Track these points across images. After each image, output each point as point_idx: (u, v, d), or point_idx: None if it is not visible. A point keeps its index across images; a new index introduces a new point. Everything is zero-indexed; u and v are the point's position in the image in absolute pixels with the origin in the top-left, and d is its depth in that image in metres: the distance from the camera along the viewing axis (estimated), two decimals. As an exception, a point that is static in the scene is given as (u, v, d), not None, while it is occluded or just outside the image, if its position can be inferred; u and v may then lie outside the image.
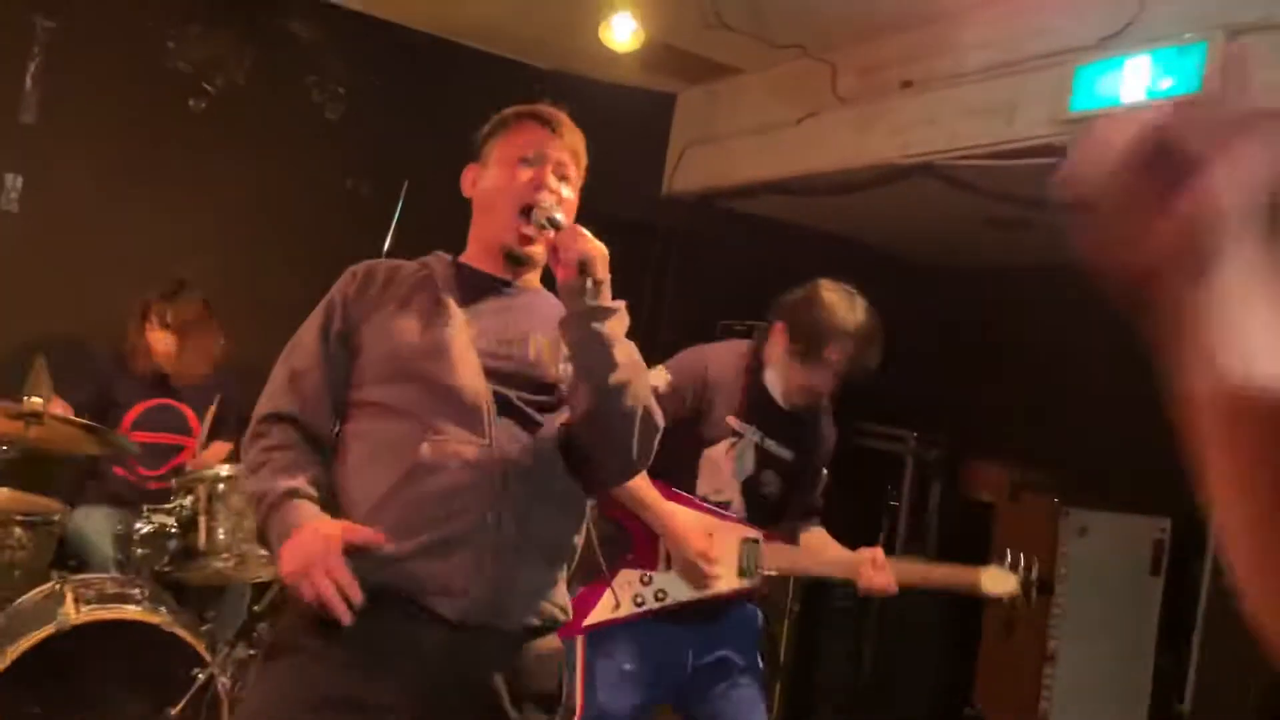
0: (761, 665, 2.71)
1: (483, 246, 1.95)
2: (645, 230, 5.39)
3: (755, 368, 2.64)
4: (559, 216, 1.77)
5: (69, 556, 3.54)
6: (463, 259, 1.97)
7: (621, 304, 1.74)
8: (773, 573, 2.63)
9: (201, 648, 3.06)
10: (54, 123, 4.22)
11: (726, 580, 2.54)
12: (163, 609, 3.08)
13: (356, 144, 4.82)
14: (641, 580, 2.54)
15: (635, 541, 2.55)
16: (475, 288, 1.90)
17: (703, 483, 2.57)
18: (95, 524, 3.56)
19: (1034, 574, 2.67)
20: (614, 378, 1.69)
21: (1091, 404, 4.79)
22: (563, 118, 1.97)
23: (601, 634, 2.54)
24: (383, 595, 1.64)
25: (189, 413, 3.88)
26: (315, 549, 1.62)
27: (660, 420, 1.80)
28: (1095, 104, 3.33)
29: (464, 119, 5.52)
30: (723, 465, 2.57)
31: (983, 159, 3.80)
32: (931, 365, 5.69)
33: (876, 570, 2.57)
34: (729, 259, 5.14)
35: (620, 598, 2.50)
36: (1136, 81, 3.23)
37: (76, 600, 2.93)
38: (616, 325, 1.71)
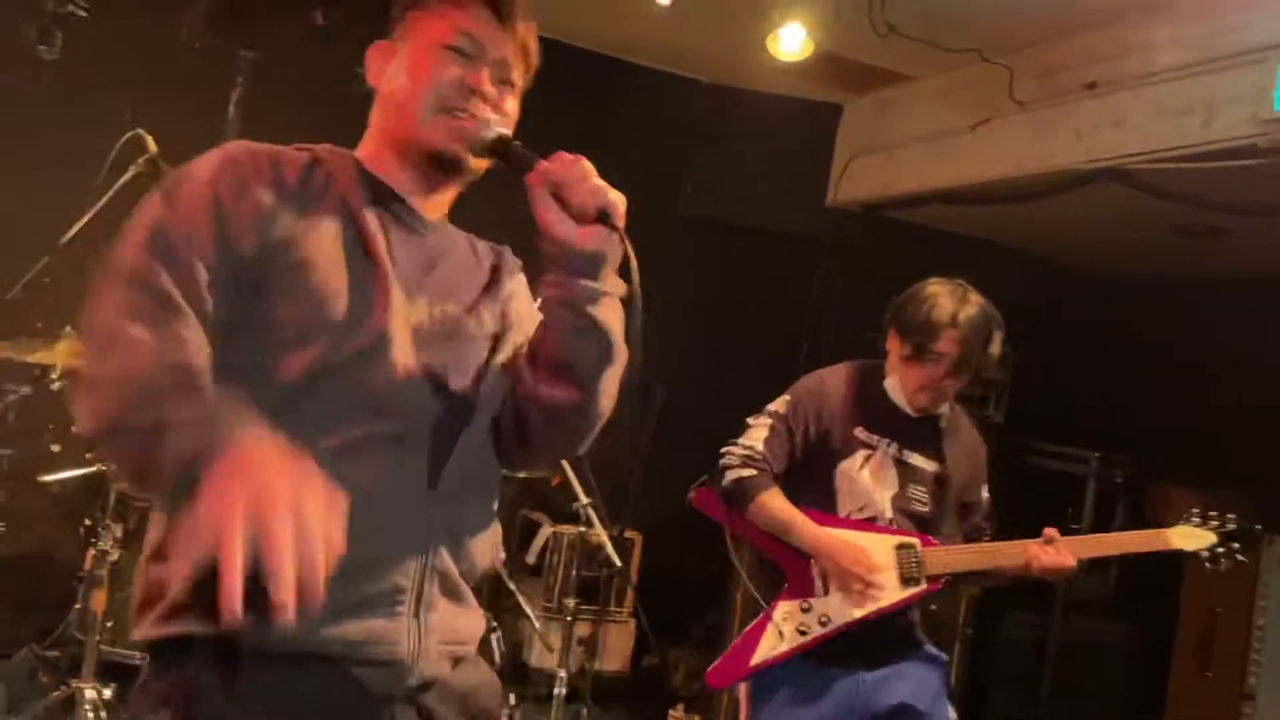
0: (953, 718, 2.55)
1: (392, 149, 1.47)
2: (809, 242, 5.35)
3: (875, 378, 2.57)
4: (614, 199, 1.36)
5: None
6: (367, 166, 1.48)
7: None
8: (941, 576, 2.49)
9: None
10: (254, 147, 4.52)
11: (890, 592, 2.45)
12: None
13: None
14: (801, 609, 2.47)
15: (787, 571, 2.50)
16: (394, 218, 1.44)
17: (843, 502, 2.50)
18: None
19: (1232, 525, 2.51)
20: (611, 372, 1.40)
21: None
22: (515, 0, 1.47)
23: (766, 680, 2.47)
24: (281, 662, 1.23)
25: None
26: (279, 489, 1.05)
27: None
28: (1303, 101, 3.10)
29: (628, 134, 5.63)
30: (859, 480, 2.49)
31: (1177, 162, 3.59)
32: (1113, 382, 5.41)
33: (1048, 548, 2.42)
34: (895, 271, 4.99)
35: (783, 630, 2.44)
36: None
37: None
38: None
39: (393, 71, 1.48)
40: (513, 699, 3.89)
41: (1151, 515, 5.16)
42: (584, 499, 3.60)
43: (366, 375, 1.30)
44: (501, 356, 1.48)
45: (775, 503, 2.45)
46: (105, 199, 3.10)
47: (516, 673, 4.50)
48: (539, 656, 4.58)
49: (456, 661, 1.39)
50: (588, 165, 1.38)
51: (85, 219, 3.07)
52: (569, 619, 3.77)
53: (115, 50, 4.27)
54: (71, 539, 4.01)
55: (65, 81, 4.21)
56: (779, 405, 2.54)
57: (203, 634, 1.19)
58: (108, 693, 3.14)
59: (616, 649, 4.79)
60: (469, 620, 1.41)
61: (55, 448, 4.39)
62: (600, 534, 3.56)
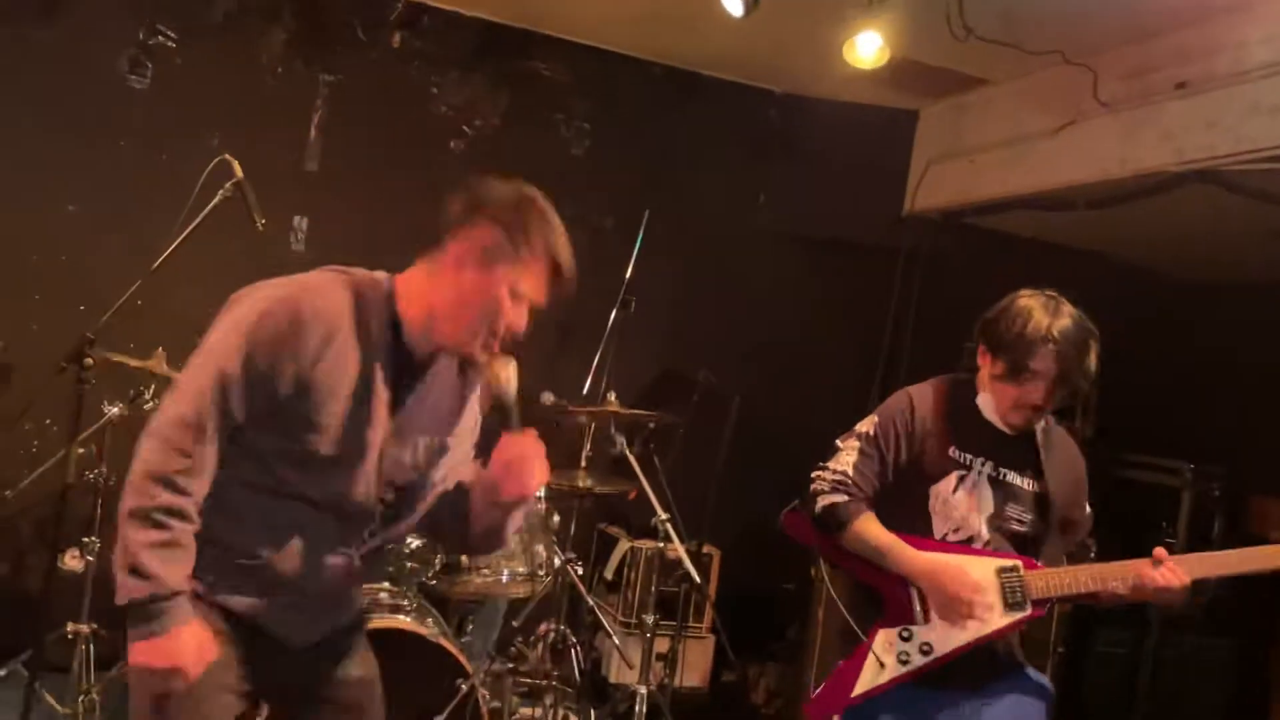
0: None
1: (431, 329, 1.89)
2: (886, 252, 5.27)
3: (966, 394, 2.48)
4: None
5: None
6: (406, 329, 1.90)
7: None
8: (1046, 601, 2.38)
9: (464, 659, 3.20)
10: (333, 168, 4.61)
11: (994, 618, 2.35)
12: (429, 620, 3.26)
13: (601, 177, 4.99)
14: (901, 636, 2.38)
15: (886, 598, 2.41)
16: (406, 372, 1.92)
17: (939, 524, 2.41)
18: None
19: None
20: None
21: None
22: (572, 274, 1.90)
23: (860, 711, 2.38)
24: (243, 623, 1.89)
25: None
26: (189, 656, 1.75)
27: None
28: None
29: (701, 147, 5.60)
30: (955, 502, 2.40)
31: (1271, 163, 3.45)
32: (1207, 391, 5.21)
33: (1161, 568, 2.29)
34: (976, 279, 4.89)
35: (884, 660, 2.35)
36: None
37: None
38: None
39: (471, 273, 1.85)
40: (593, 715, 3.89)
41: (1251, 529, 4.95)
42: (662, 514, 3.58)
43: (340, 483, 1.88)
44: (443, 472, 2.02)
45: (870, 528, 2.38)
46: (195, 224, 3.18)
47: (596, 689, 4.49)
48: (618, 672, 4.56)
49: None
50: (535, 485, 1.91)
51: (175, 244, 3.15)
52: (648, 635, 3.76)
53: (200, 78, 4.40)
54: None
55: (154, 110, 4.35)
56: (867, 426, 2.46)
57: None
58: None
59: (696, 665, 4.76)
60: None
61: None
62: (678, 549, 3.54)
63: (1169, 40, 3.85)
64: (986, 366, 2.44)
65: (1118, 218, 4.36)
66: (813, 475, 2.45)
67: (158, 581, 1.70)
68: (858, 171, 5.21)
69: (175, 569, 1.73)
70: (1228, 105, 3.61)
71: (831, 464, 2.44)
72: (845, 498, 2.39)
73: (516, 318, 1.85)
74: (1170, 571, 2.29)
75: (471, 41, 4.81)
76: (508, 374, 1.88)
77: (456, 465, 2.04)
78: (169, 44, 4.36)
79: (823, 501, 2.40)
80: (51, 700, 3.40)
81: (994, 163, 4.70)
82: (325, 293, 1.81)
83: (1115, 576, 2.35)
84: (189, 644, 1.74)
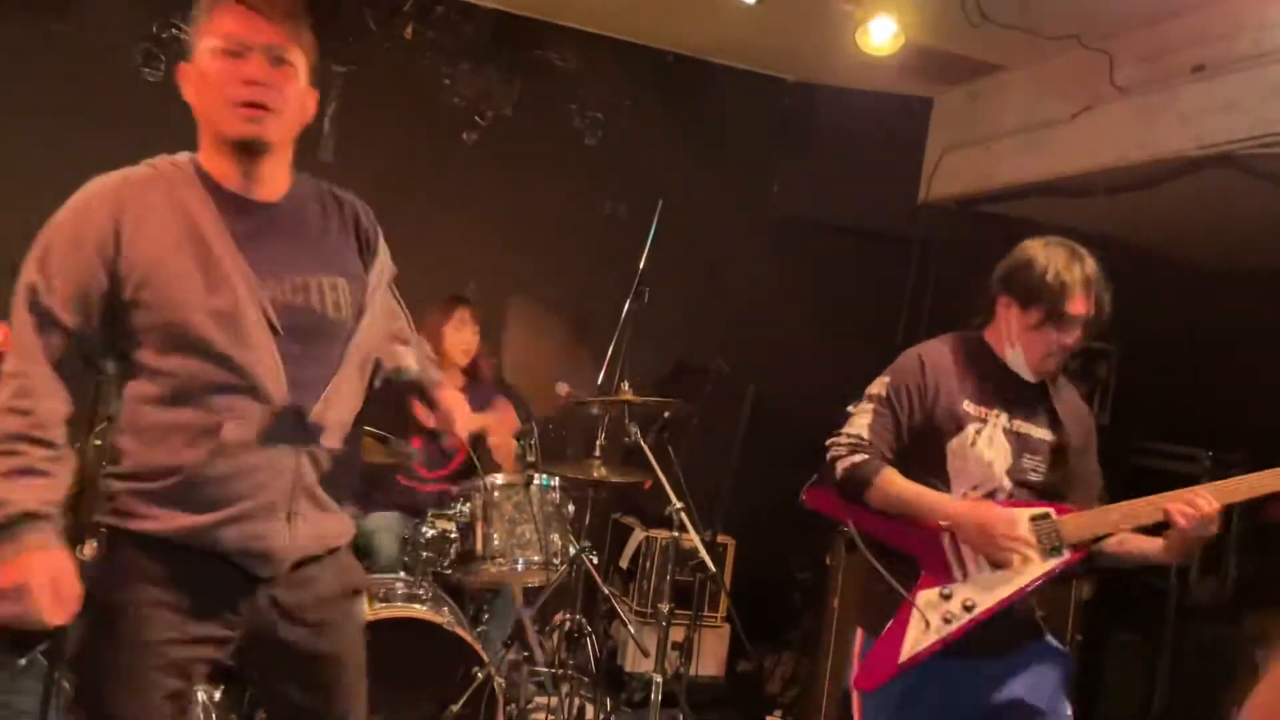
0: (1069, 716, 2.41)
1: (213, 149, 1.84)
2: (902, 240, 5.24)
3: (977, 348, 2.47)
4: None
5: (359, 558, 3.83)
6: (204, 166, 1.86)
7: None
8: (1083, 543, 2.33)
9: (479, 648, 3.21)
10: (347, 159, 4.62)
11: (1034, 566, 2.30)
12: (445, 609, 3.27)
13: (614, 167, 4.98)
14: (942, 596, 2.34)
15: (921, 559, 2.38)
16: (234, 207, 1.83)
17: (958, 482, 2.38)
18: (385, 528, 3.82)
19: None
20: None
21: None
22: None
23: (884, 685, 2.34)
24: (191, 552, 1.78)
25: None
26: (37, 578, 1.65)
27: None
28: None
29: (714, 135, 5.59)
30: (973, 456, 2.38)
31: (1294, 146, 3.42)
32: (1225, 377, 5.17)
33: (1191, 494, 2.25)
34: (992, 266, 4.88)
35: (930, 619, 2.31)
36: None
37: (369, 598, 3.15)
38: None
39: (195, 85, 1.83)
40: (609, 704, 3.89)
41: (1271, 515, 4.92)
42: (676, 503, 3.58)
43: (224, 347, 1.76)
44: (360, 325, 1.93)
45: (896, 480, 2.33)
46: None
47: (612, 678, 4.50)
48: (634, 661, 4.57)
49: (330, 552, 1.96)
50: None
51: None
52: (663, 624, 3.76)
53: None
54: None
55: (168, 102, 4.35)
56: (879, 388, 2.43)
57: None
58: (218, 694, 3.23)
59: (711, 654, 4.76)
60: (331, 519, 1.96)
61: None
62: (693, 538, 3.53)
63: (1186, 23, 3.81)
64: (1014, 318, 2.42)
65: (1135, 203, 4.32)
66: (828, 444, 2.41)
67: (6, 504, 1.66)
68: (872, 159, 5.18)
69: (27, 492, 1.68)
70: (1247, 88, 3.57)
71: (846, 429, 2.41)
72: (864, 457, 2.34)
73: (247, 74, 1.77)
74: (1201, 498, 2.24)
75: (484, 32, 4.80)
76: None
77: (376, 328, 1.99)
78: (183, 37, 4.37)
79: (842, 465, 2.36)
80: (70, 689, 3.43)
81: (1010, 149, 4.67)
82: (93, 187, 1.81)
83: (1145, 512, 2.31)
84: (38, 568, 1.66)
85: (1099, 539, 2.37)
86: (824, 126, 5.18)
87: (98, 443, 3.27)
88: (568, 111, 4.98)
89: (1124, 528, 2.34)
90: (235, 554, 1.81)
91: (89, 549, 3.79)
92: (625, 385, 3.79)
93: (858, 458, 2.35)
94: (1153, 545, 2.37)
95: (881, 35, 3.88)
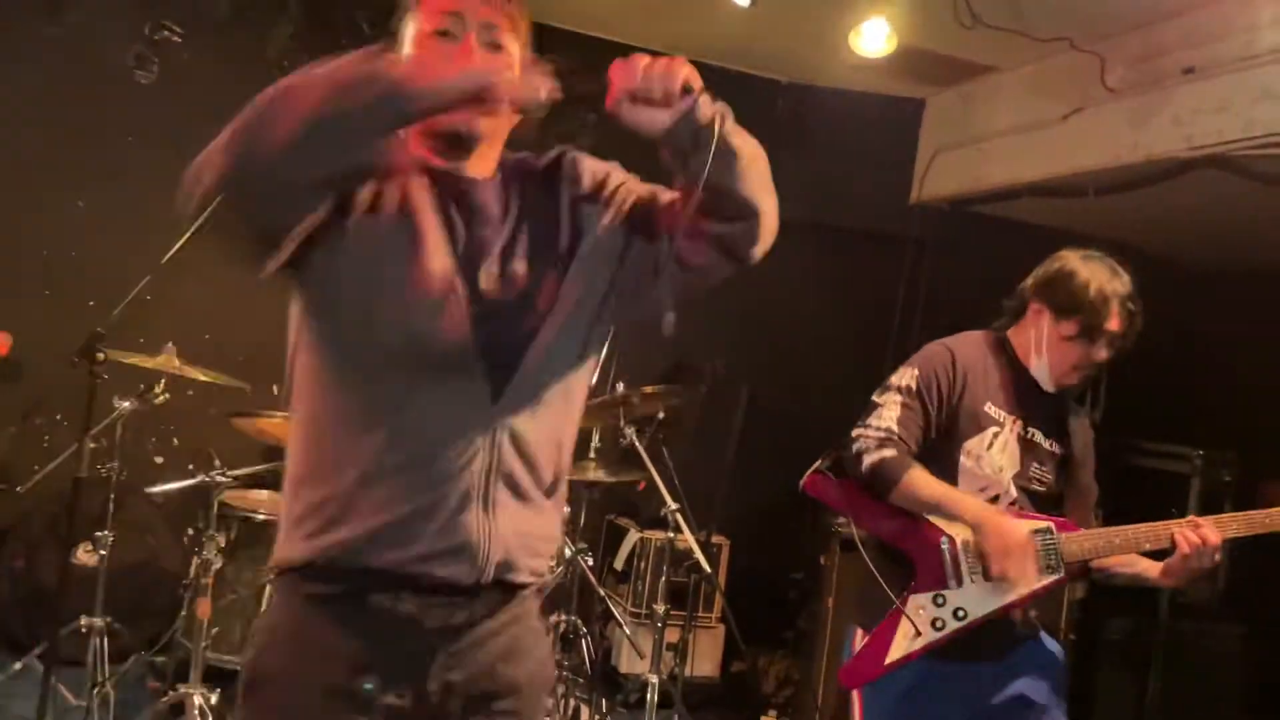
0: (1063, 715, 2.42)
1: (417, 140, 1.61)
2: (894, 241, 5.25)
3: (1001, 351, 2.46)
4: (685, 70, 1.47)
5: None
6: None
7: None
8: (1079, 564, 2.35)
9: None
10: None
11: (1028, 580, 2.29)
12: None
13: (607, 168, 4.98)
14: (935, 602, 2.32)
15: (917, 563, 2.36)
16: (445, 188, 1.57)
17: (965, 482, 2.36)
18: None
19: None
20: (755, 171, 1.56)
21: None
22: None
23: (881, 685, 2.35)
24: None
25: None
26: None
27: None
28: None
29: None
30: (987, 459, 2.37)
31: (1284, 148, 3.44)
32: (1220, 378, 5.20)
33: (1194, 525, 2.26)
34: (985, 268, 4.89)
35: (919, 624, 2.30)
36: None
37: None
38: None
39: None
40: (604, 705, 3.90)
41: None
42: (671, 504, 3.59)
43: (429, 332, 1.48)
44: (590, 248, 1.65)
45: (924, 480, 2.30)
46: (203, 219, 3.18)
47: (607, 678, 4.50)
48: (629, 662, 4.58)
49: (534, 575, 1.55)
50: (643, 58, 1.47)
51: (184, 239, 3.15)
52: (659, 625, 3.76)
53: (207, 73, 4.40)
54: (177, 549, 4.14)
55: (161, 104, 4.35)
56: (908, 380, 2.38)
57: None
58: (214, 697, 3.23)
59: (706, 654, 4.77)
60: (542, 521, 1.55)
61: (159, 460, 4.56)
62: (688, 539, 3.54)
63: (1177, 25, 3.83)
64: (1046, 327, 2.41)
65: (1127, 204, 4.34)
66: (853, 434, 2.36)
67: None
68: (865, 160, 5.19)
69: None
70: (1238, 89, 3.59)
71: (873, 420, 2.35)
72: (893, 452, 2.30)
73: (462, 54, 1.55)
74: (1205, 529, 2.25)
75: (478, 34, 4.81)
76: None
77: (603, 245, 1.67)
78: (175, 39, 4.36)
79: (869, 459, 2.30)
80: (66, 693, 3.42)
81: (1002, 150, 4.69)
82: None
83: (1147, 538, 2.31)
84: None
85: (1096, 560, 2.38)
86: (817, 128, 5.18)
87: (92, 445, 3.27)
88: (562, 113, 4.97)
89: (1121, 551, 2.34)
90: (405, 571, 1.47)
91: (82, 553, 3.79)
92: (620, 385, 3.80)
93: (887, 452, 2.30)
94: (1150, 568, 2.38)
95: (874, 38, 3.90)
